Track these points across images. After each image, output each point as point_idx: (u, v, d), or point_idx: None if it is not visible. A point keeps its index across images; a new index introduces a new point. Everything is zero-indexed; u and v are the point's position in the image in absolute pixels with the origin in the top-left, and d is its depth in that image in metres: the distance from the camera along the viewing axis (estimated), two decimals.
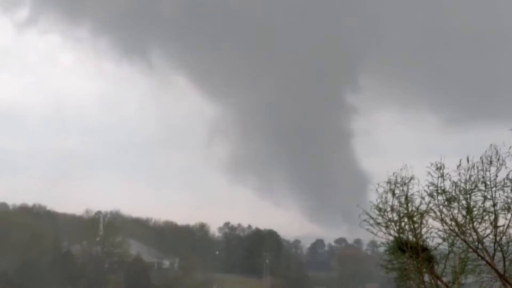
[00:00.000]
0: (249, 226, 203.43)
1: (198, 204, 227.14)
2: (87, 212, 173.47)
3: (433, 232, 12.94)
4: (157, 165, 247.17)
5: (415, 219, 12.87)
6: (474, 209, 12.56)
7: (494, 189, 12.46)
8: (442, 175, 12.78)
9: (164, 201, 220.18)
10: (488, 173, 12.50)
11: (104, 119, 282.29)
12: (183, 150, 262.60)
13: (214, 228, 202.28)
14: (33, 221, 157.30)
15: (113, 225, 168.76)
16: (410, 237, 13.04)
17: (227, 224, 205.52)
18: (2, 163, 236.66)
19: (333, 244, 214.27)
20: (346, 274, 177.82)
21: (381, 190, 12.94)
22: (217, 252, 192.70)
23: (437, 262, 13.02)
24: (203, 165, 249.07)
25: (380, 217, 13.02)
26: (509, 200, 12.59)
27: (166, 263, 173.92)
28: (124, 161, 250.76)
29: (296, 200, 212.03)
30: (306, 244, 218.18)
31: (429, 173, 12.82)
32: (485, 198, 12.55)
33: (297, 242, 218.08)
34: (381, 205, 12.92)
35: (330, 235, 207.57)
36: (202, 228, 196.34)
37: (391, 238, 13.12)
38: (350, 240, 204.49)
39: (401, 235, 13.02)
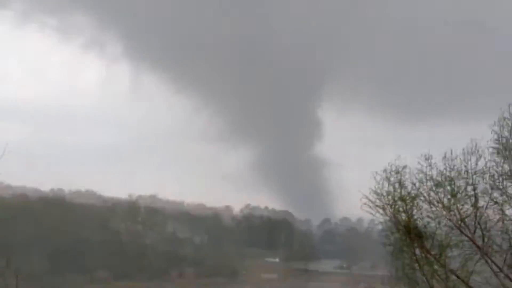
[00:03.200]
0: (266, 207, 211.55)
1: (223, 189, 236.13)
2: (130, 196, 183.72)
3: (423, 213, 13.15)
4: (182, 155, 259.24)
5: (407, 202, 13.05)
6: (458, 193, 12.77)
7: (474, 176, 12.67)
8: (430, 164, 12.98)
9: (192, 186, 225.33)
10: (469, 163, 12.68)
11: (129, 114, 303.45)
12: (211, 142, 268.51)
13: (237, 209, 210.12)
14: (85, 204, 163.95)
15: (152, 207, 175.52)
16: (403, 217, 13.17)
17: (248, 205, 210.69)
18: (61, 155, 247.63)
19: (338, 222, 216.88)
20: (350, 248, 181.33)
21: (378, 177, 13.00)
22: (239, 230, 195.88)
23: (427, 238, 13.17)
24: (224, 155, 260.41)
25: (377, 200, 13.11)
26: (488, 185, 12.71)
27: (197, 239, 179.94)
28: (156, 151, 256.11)
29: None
30: (316, 222, 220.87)
31: (418, 162, 12.96)
32: (467, 184, 12.78)
33: (308, 220, 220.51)
34: (378, 190, 13.06)
35: (334, 214, 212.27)
36: (227, 208, 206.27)
37: (387, 218, 13.32)
38: (353, 219, 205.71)
39: (396, 215, 13.16)
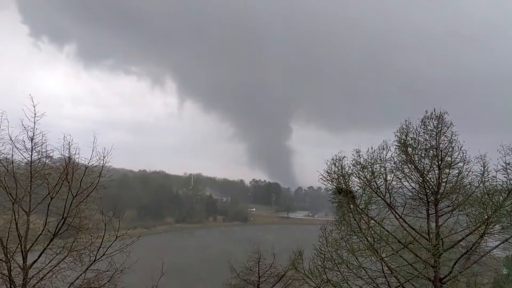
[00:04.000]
0: (265, 180, 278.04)
1: (238, 169, 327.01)
2: (185, 174, 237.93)
3: (355, 184, 15.68)
4: (212, 148, 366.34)
5: (345, 177, 15.61)
6: (375, 172, 15.16)
7: (384, 162, 15.20)
8: (359, 155, 15.54)
9: (220, 167, 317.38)
10: (382, 154, 15.28)
11: (178, 124, 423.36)
12: (227, 140, 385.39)
13: (247, 181, 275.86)
14: (158, 179, 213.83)
15: (198, 180, 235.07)
16: (344, 186, 15.74)
17: (254, 179, 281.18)
18: (143, 149, 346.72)
19: (306, 189, 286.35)
20: (313, 204, 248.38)
21: (328, 162, 15.94)
22: (249, 193, 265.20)
23: (357, 198, 15.67)
24: (235, 148, 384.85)
25: (328, 176, 15.91)
26: (393, 167, 15.43)
27: (224, 199, 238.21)
28: (196, 146, 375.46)
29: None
30: (293, 189, 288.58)
31: (352, 154, 15.49)
32: (380, 166, 15.12)
33: (288, 188, 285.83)
34: (328, 170, 15.78)
35: (304, 184, 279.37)
36: (241, 181, 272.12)
37: (334, 186, 16.07)
38: (315, 187, 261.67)
39: (339, 185, 15.77)
